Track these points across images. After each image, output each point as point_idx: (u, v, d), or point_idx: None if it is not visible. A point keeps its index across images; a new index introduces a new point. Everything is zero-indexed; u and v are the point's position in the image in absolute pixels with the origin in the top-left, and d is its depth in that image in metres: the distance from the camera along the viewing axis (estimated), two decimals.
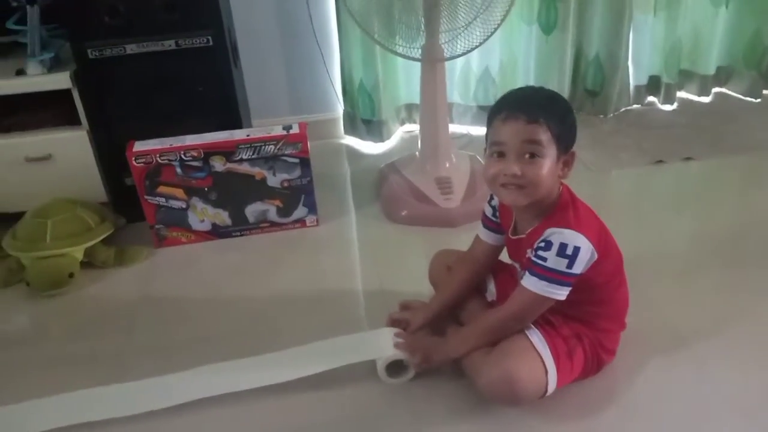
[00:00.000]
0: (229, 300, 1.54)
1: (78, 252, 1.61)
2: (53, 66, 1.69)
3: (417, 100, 1.95)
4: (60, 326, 1.52)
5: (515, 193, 1.10)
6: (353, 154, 2.29)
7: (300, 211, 1.79)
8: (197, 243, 1.77)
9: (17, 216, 1.68)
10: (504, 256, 1.30)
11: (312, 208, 1.79)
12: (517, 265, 1.23)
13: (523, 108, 1.07)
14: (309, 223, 1.81)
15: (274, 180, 1.72)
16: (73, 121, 1.72)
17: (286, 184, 1.73)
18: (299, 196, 1.76)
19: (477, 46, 1.73)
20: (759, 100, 2.45)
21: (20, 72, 1.66)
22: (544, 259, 1.07)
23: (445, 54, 1.75)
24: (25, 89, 1.66)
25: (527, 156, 1.07)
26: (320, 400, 1.22)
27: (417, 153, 1.97)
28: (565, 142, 1.10)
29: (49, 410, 1.21)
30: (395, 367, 1.22)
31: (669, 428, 1.13)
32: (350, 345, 1.29)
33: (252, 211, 1.76)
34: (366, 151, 2.29)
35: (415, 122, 2.36)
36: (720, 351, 1.28)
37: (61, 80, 1.65)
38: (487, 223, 1.29)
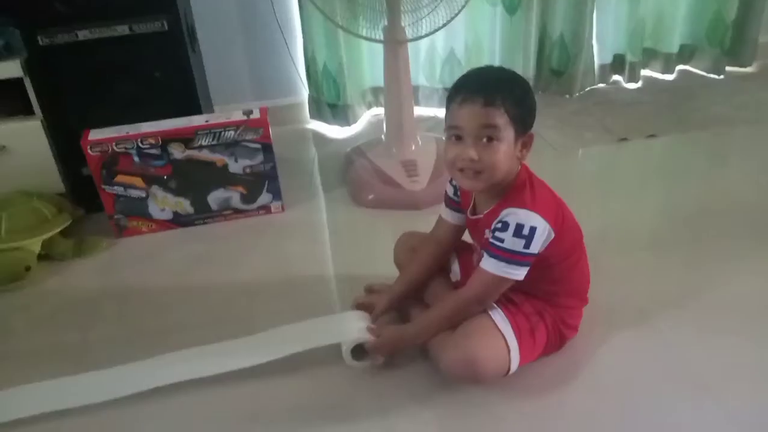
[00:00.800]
0: (194, 289, 1.52)
1: (35, 244, 1.57)
2: (3, 54, 1.63)
3: (382, 83, 1.93)
4: (20, 320, 1.48)
5: (472, 179, 1.09)
6: (319, 138, 2.27)
7: (264, 198, 1.76)
8: (159, 232, 1.74)
9: None
10: (467, 236, 1.30)
11: (276, 194, 1.76)
12: (477, 245, 1.23)
13: (480, 90, 1.05)
14: (274, 210, 1.79)
15: (236, 166, 1.69)
16: (26, 111, 1.67)
17: (248, 171, 1.70)
18: (263, 183, 1.73)
19: (441, 27, 1.71)
20: (722, 76, 2.48)
21: None
22: (501, 240, 1.07)
23: (408, 35, 1.73)
24: None
25: (484, 140, 1.06)
26: (285, 385, 1.21)
27: (383, 136, 1.95)
28: (523, 123, 1.08)
29: (12, 401, 1.20)
30: (360, 351, 1.21)
31: (632, 402, 1.14)
32: (315, 329, 1.28)
33: (215, 198, 1.73)
34: (332, 136, 2.27)
35: (381, 106, 2.34)
36: (682, 325, 1.30)
37: (12, 69, 1.60)
38: (450, 203, 1.28)
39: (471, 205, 1.20)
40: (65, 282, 1.58)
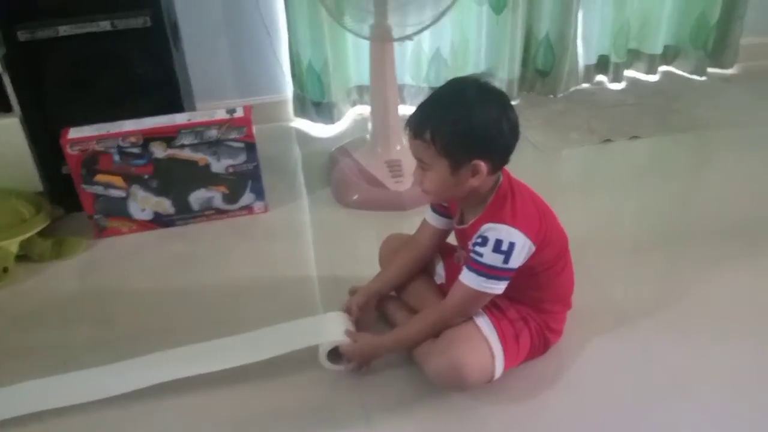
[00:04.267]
0: (176, 290, 1.50)
1: (12, 245, 1.53)
2: None
3: (367, 81, 1.92)
4: None
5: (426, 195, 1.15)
6: (303, 137, 2.25)
7: (247, 198, 1.74)
8: (139, 232, 1.71)
9: None
10: (453, 239, 1.29)
11: (260, 194, 1.75)
12: (462, 253, 1.22)
13: (412, 121, 1.08)
14: (257, 210, 1.77)
15: (218, 166, 1.67)
16: (3, 108, 1.63)
17: (231, 170, 1.68)
18: (246, 182, 1.71)
19: (427, 27, 1.70)
20: (704, 78, 2.50)
21: None
22: (481, 255, 1.07)
23: (395, 35, 1.72)
24: None
25: (421, 167, 1.10)
26: (266, 389, 1.20)
27: (368, 136, 1.94)
28: (459, 153, 1.04)
29: None
30: (337, 354, 1.20)
31: (615, 405, 1.15)
32: (295, 331, 1.26)
33: (196, 198, 1.71)
34: (316, 135, 2.25)
35: (366, 104, 2.33)
36: (664, 328, 1.31)
37: None
38: (436, 207, 1.27)
39: (458, 214, 1.20)
40: (44, 283, 1.55)
